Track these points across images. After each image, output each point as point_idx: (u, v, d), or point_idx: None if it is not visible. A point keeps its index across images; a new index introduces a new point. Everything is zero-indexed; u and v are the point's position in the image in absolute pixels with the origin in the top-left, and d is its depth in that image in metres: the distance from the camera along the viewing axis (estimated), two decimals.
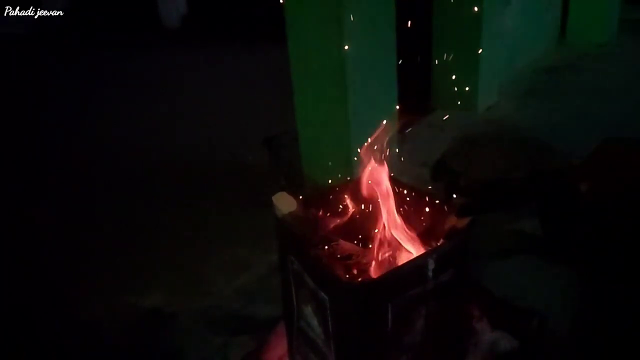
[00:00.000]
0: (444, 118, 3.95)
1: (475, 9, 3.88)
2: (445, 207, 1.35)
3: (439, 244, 1.28)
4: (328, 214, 1.45)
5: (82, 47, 8.31)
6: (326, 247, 1.30)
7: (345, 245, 1.34)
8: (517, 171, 2.16)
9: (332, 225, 1.41)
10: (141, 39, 8.24)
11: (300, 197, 1.45)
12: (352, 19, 2.53)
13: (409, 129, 3.67)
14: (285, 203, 1.42)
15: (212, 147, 4.09)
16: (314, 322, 1.34)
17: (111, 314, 2.36)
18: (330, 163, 2.93)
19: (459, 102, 4.18)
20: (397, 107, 3.01)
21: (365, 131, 2.75)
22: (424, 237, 1.33)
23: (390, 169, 1.45)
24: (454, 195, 1.62)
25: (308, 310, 1.36)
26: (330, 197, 1.50)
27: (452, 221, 1.28)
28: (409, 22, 2.86)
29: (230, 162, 3.74)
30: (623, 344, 1.72)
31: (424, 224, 1.38)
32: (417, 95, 2.77)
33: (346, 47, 2.57)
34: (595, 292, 1.97)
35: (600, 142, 2.15)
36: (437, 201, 1.40)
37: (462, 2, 3.95)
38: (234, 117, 4.68)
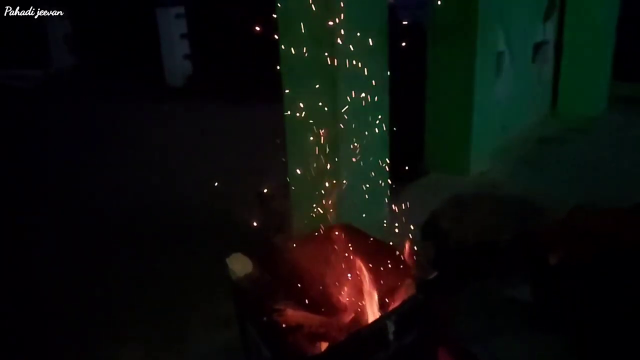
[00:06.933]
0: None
1: (467, 77, 4.02)
2: (407, 265, 1.28)
3: (397, 304, 1.20)
4: (286, 273, 1.35)
5: (88, 100, 8.54)
6: (281, 315, 1.20)
7: (303, 312, 1.23)
8: (507, 233, 2.15)
9: (289, 286, 1.31)
10: (145, 95, 8.50)
11: (256, 257, 1.38)
12: (347, 80, 2.61)
13: (402, 191, 3.68)
14: (240, 264, 1.37)
15: (204, 201, 4.09)
16: None
17: None
18: (320, 218, 2.90)
19: (451, 167, 4.24)
20: (389, 169, 3.03)
21: (356, 189, 2.79)
22: (387, 296, 1.26)
23: (381, 231, 1.39)
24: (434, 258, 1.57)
25: None
26: (288, 254, 1.43)
27: (410, 280, 1.22)
28: (403, 86, 2.95)
29: (223, 215, 3.72)
30: None
31: (388, 282, 1.30)
32: (410, 158, 2.81)
33: (342, 110, 2.63)
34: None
35: (570, 210, 2.16)
36: (400, 257, 1.33)
37: (454, 70, 4.09)
38: (228, 171, 4.71)
